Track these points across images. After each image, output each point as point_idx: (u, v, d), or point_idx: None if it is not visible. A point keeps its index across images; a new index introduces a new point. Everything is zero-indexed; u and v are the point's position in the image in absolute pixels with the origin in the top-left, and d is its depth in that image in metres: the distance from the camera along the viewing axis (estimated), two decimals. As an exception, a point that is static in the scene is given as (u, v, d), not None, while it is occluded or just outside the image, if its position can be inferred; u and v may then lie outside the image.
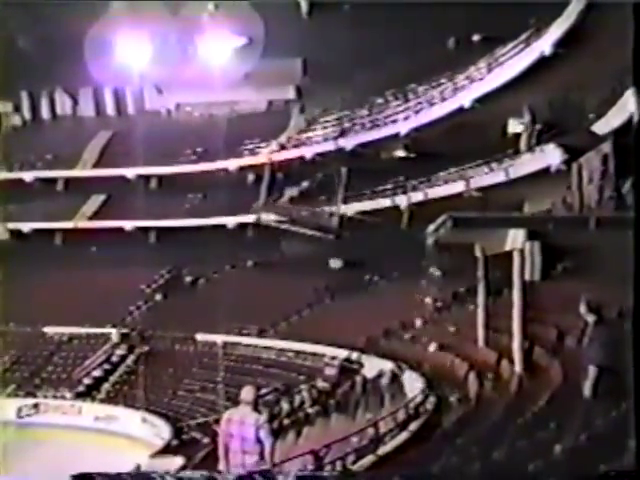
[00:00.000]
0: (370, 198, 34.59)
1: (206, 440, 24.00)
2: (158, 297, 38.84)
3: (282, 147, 38.82)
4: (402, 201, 33.12)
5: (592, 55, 25.79)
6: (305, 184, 37.13)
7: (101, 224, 41.58)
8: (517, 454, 9.67)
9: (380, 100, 37.21)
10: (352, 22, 35.53)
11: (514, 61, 30.61)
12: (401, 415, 16.25)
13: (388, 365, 24.44)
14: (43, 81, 44.34)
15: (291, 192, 37.16)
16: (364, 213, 34.21)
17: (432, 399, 17.99)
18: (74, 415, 32.25)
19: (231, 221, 38.71)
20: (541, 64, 29.02)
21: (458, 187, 31.22)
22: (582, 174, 25.38)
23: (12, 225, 42.13)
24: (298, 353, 30.96)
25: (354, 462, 12.83)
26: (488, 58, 32.34)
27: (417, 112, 34.68)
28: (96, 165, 43.88)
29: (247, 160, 39.53)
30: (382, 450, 13.74)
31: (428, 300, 28.44)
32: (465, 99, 32.28)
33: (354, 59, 35.03)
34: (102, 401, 32.95)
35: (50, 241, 42.31)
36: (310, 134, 39.09)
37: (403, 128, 34.60)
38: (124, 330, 36.27)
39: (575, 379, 12.42)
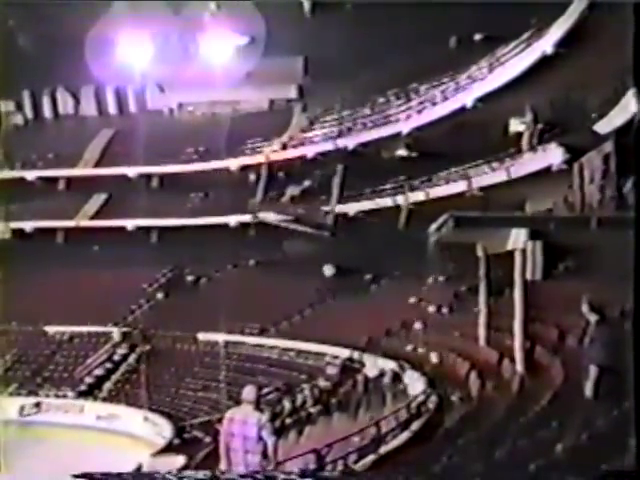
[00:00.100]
0: (371, 198, 34.61)
1: (208, 439, 23.92)
2: (160, 296, 38.80)
3: (284, 146, 38.84)
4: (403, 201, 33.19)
5: (594, 55, 25.78)
6: (307, 183, 37.16)
7: (103, 223, 41.60)
8: (518, 453, 9.67)
9: (382, 99, 37.23)
10: (354, 21, 35.62)
11: (516, 61, 30.64)
12: (403, 414, 16.23)
13: (390, 364, 24.45)
14: (45, 80, 44.37)
15: (292, 191, 37.20)
16: (365, 212, 34.24)
17: (434, 398, 18.00)
18: (76, 414, 32.24)
19: (233, 220, 38.67)
20: (543, 64, 29.04)
21: (460, 186, 31.23)
22: (584, 174, 25.40)
23: (14, 224, 42.13)
24: (300, 352, 30.95)
25: (356, 461, 12.81)
26: (490, 57, 32.38)
27: (419, 111, 34.72)
28: (98, 164, 43.90)
29: (248, 159, 39.55)
30: (384, 449, 13.70)
31: (430, 304, 28.40)
32: (467, 98, 32.30)
33: (356, 58, 35.10)
34: (104, 400, 32.96)
35: (52, 240, 42.29)
36: (312, 133, 39.09)
37: (405, 127, 34.61)
38: (126, 329, 36.26)
39: (576, 379, 12.39)
